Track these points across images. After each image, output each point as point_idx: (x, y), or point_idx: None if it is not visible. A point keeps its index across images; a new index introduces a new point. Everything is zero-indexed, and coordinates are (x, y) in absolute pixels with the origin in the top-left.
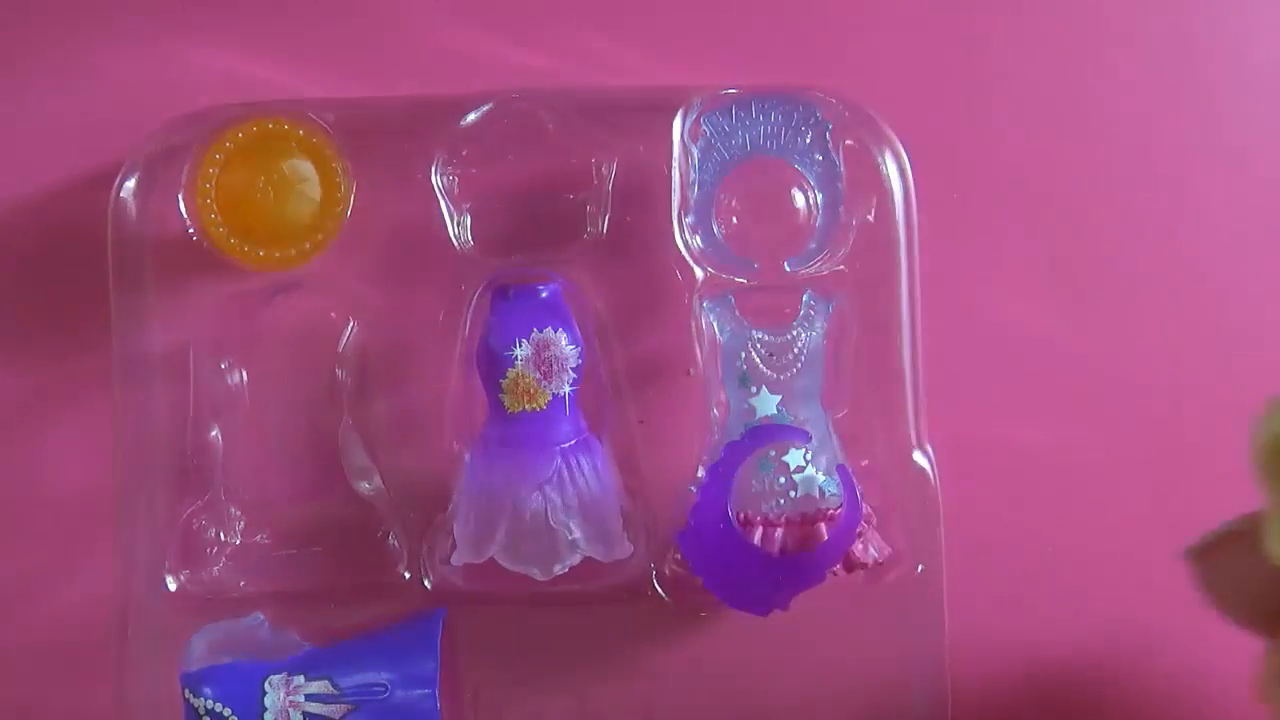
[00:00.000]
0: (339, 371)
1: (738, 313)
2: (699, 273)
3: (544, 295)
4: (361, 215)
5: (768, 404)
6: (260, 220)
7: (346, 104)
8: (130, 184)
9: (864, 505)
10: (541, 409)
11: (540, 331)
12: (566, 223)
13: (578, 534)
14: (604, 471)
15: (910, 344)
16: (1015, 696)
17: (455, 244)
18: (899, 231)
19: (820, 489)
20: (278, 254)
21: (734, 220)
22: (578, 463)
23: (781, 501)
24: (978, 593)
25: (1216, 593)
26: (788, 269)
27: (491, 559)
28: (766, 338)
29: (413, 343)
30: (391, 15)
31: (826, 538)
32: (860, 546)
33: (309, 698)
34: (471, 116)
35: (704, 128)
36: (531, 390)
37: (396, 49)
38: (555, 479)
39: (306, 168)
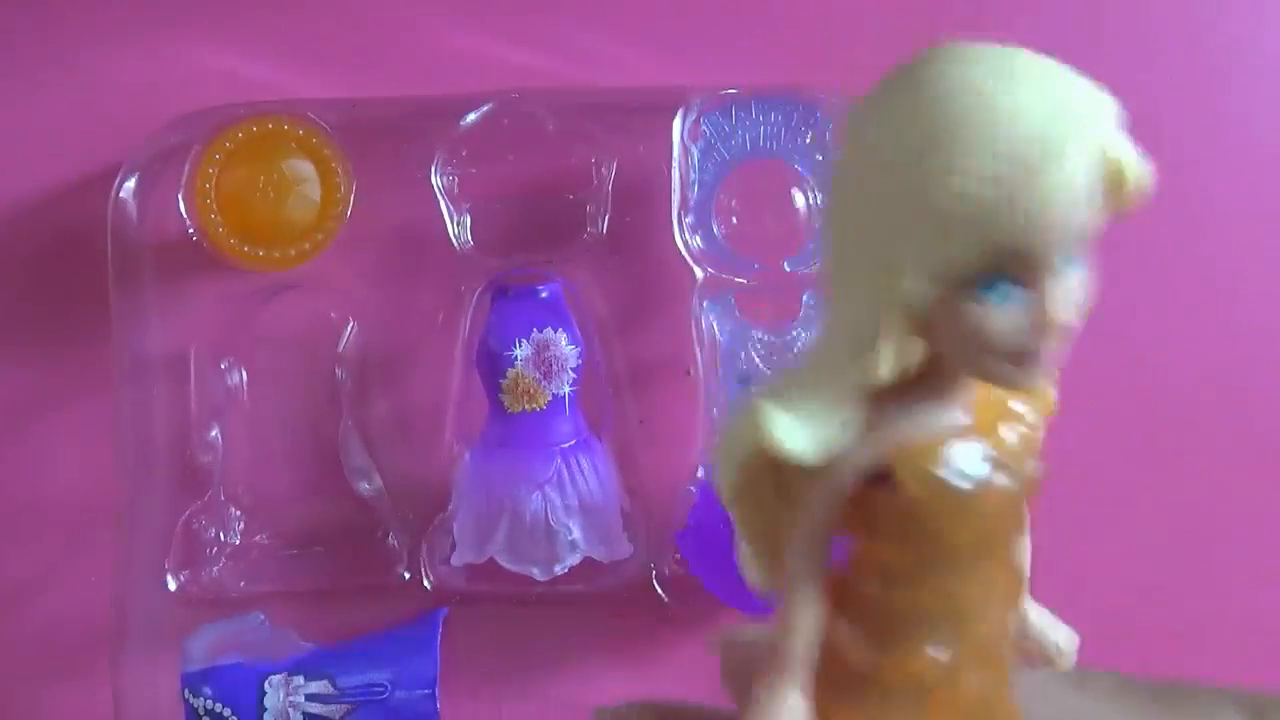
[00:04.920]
0: (339, 371)
1: (738, 313)
2: (699, 273)
3: (544, 295)
4: (361, 215)
5: None
6: (260, 220)
7: (346, 104)
8: (130, 184)
9: None
10: (541, 409)
11: (540, 331)
12: (566, 223)
13: (577, 534)
14: (604, 471)
15: None
16: None
17: (455, 244)
18: None
19: None
20: (278, 254)
21: (734, 220)
22: (578, 463)
23: None
24: None
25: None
26: (788, 269)
27: (491, 559)
28: (766, 338)
29: (413, 343)
30: (391, 15)
31: None
32: None
33: (309, 698)
34: (471, 116)
35: (704, 128)
36: (531, 390)
37: (396, 49)
38: (555, 479)
39: (306, 168)
